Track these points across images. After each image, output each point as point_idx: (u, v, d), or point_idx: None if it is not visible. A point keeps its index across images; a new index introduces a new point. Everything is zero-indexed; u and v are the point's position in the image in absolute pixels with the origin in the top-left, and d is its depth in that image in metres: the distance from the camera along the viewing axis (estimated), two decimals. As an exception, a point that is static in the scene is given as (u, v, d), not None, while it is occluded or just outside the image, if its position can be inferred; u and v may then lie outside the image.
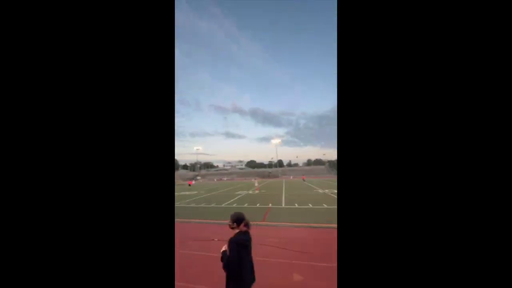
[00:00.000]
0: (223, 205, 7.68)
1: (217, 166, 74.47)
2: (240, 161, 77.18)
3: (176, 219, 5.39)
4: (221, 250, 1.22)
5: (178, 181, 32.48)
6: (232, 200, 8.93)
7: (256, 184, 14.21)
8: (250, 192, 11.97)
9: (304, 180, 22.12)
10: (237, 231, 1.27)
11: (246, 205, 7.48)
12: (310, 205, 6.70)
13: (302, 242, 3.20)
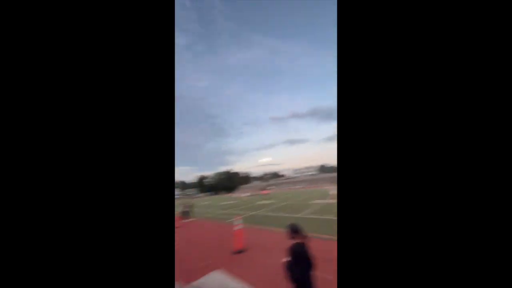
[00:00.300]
0: (299, 215, 7.46)
1: (285, 175, 74.75)
2: (309, 167, 72.08)
3: (261, 227, 5.98)
4: (284, 260, 1.32)
5: (255, 192, 36.76)
6: (308, 210, 8.43)
7: (332, 192, 12.31)
8: (327, 201, 10.64)
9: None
10: (294, 241, 1.31)
11: (323, 215, 6.72)
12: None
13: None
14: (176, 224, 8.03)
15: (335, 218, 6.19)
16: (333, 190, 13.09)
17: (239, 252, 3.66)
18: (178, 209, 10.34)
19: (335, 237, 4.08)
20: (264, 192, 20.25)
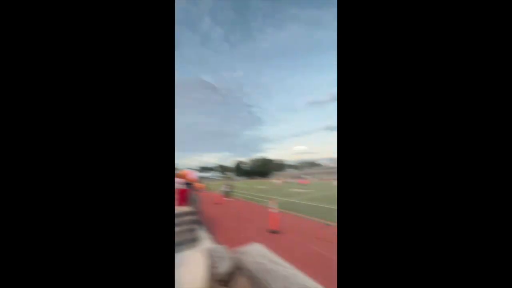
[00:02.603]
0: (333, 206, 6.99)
1: (322, 165, 69.81)
2: (351, 157, 63.47)
3: (294, 213, 6.12)
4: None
5: (287, 179, 37.02)
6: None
7: None
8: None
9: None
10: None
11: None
12: None
13: None
14: (219, 200, 9.34)
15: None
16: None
17: (274, 232, 4.01)
18: (221, 188, 11.88)
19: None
20: (302, 181, 19.73)
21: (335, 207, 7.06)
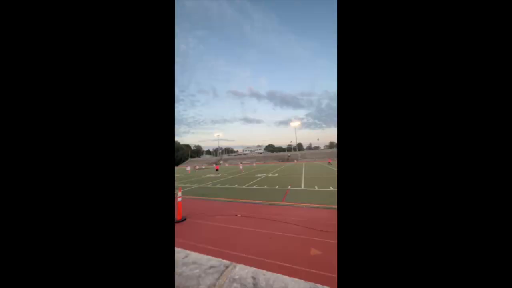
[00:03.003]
0: (244, 186, 8.23)
1: (237, 151, 77.76)
2: (259, 146, 78.66)
3: (205, 198, 6.11)
4: None
5: (203, 165, 36.18)
6: (252, 182, 9.45)
7: (243, 166, 13.88)
8: (268, 175, 12.36)
9: (330, 164, 20.90)
10: None
11: (265, 186, 7.84)
12: (331, 188, 6.60)
13: (321, 222, 3.30)
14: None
15: (270, 187, 7.45)
16: (278, 166, 15.24)
17: (178, 222, 3.78)
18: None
19: (267, 201, 4.98)
20: (218, 167, 20.53)
21: (238, 186, 8.30)
